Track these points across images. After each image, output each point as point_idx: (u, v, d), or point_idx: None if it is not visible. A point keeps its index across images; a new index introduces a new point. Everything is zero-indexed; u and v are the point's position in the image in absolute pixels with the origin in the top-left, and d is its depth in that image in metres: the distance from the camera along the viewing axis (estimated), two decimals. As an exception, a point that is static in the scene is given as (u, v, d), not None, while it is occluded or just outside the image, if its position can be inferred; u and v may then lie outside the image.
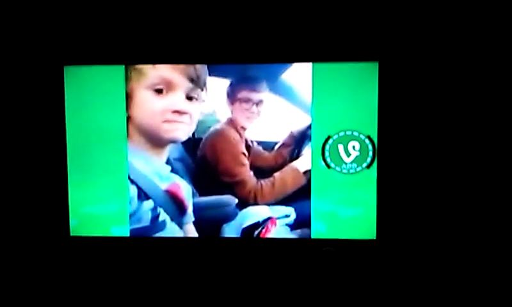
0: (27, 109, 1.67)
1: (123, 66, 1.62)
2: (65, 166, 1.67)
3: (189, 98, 1.62)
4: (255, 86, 1.63)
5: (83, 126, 1.66)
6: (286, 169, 1.66)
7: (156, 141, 1.65)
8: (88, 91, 1.65)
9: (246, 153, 1.66)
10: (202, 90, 1.63)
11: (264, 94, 1.63)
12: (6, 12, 1.64)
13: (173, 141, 1.64)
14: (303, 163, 1.65)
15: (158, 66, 1.62)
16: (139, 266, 1.70)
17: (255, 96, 1.64)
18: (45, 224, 1.70)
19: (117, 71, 1.63)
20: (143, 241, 1.69)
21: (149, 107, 1.62)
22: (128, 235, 1.68)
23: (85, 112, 1.66)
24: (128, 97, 1.63)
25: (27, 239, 1.71)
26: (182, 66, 1.62)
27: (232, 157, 1.66)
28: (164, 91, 1.61)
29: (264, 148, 1.66)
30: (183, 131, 1.64)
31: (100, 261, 1.70)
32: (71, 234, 1.69)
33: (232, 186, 1.67)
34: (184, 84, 1.62)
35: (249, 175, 1.66)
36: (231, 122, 1.65)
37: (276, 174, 1.66)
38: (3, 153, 1.69)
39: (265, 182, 1.66)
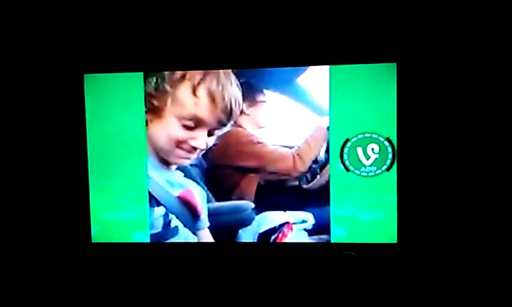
0: (48, 117, 1.70)
1: (142, 73, 1.64)
2: (86, 174, 1.70)
3: (211, 134, 1.64)
4: (271, 89, 1.62)
5: (103, 133, 1.68)
6: (313, 128, 1.63)
7: (163, 160, 1.67)
8: (108, 98, 1.67)
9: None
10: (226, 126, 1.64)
11: (276, 96, 1.62)
12: (27, 21, 1.67)
13: (179, 165, 1.67)
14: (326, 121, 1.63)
15: (198, 102, 1.62)
16: (161, 271, 1.71)
17: (271, 97, 1.63)
18: (68, 231, 1.73)
19: (136, 78, 1.65)
20: (164, 247, 1.70)
21: (170, 133, 1.64)
22: (148, 240, 1.70)
23: (105, 119, 1.68)
24: (155, 112, 1.65)
25: (51, 246, 1.74)
26: (219, 108, 1.62)
27: (252, 145, 1.64)
28: (192, 127, 1.63)
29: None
30: (191, 160, 1.66)
31: (122, 266, 1.72)
32: (92, 240, 1.72)
33: (267, 165, 1.64)
34: (212, 124, 1.63)
35: (277, 147, 1.64)
36: (239, 125, 1.64)
37: (307, 137, 1.63)
38: (26, 161, 1.72)
39: (301, 145, 1.63)
